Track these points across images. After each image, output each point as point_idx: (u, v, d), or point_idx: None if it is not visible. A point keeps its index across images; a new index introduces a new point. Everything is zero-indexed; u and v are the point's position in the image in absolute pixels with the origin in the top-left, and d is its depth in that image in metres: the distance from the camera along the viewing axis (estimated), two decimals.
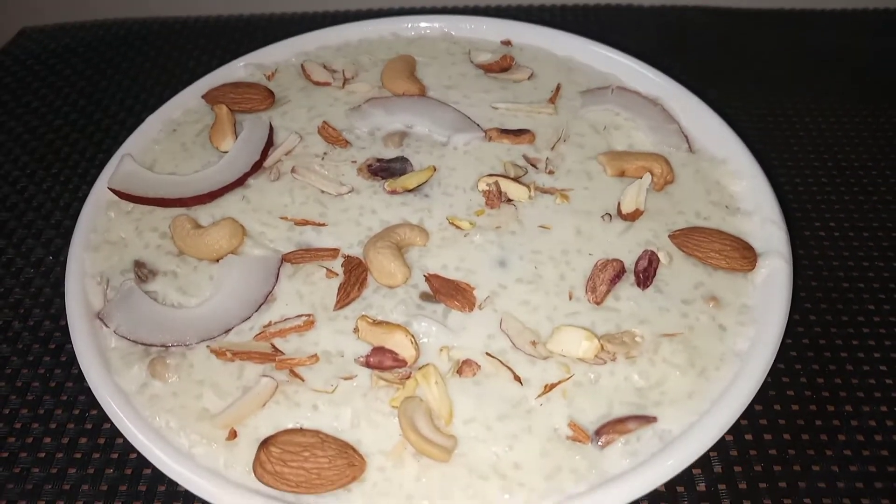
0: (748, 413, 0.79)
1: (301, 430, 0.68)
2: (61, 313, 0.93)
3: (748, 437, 0.82)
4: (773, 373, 0.86)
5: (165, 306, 0.79)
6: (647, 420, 0.70)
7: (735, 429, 0.80)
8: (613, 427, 0.70)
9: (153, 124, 1.00)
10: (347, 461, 0.65)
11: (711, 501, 0.77)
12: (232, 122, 0.98)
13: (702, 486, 0.78)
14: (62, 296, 0.81)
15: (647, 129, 0.99)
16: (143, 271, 0.83)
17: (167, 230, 0.86)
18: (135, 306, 0.78)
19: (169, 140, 0.98)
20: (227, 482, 0.65)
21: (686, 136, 0.98)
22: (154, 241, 0.86)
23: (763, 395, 0.85)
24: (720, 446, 0.80)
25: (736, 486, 0.78)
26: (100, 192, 0.91)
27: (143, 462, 0.69)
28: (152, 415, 0.71)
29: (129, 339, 0.76)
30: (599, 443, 0.69)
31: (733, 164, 0.94)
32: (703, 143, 0.98)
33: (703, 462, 0.79)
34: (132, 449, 0.69)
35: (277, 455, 0.65)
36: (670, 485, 0.77)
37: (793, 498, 0.77)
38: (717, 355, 0.76)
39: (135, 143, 0.97)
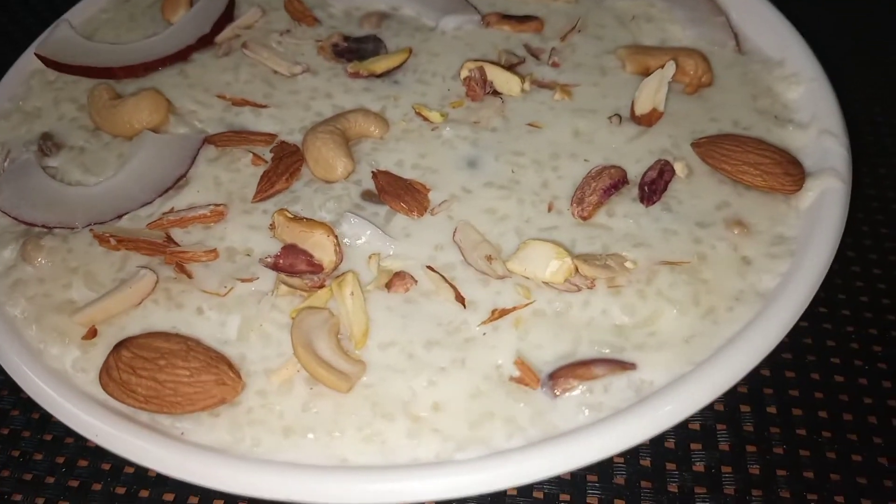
0: (775, 381, 0.60)
1: (168, 335, 0.53)
2: None
3: (770, 409, 0.62)
4: (812, 328, 0.66)
5: (60, 183, 0.66)
6: (622, 366, 0.53)
7: (755, 398, 0.61)
8: (573, 371, 0.52)
9: None
10: (216, 378, 0.51)
11: (710, 486, 0.58)
12: None
13: (699, 466, 0.59)
14: None
15: (686, 21, 0.79)
16: (48, 144, 0.70)
17: (87, 102, 0.73)
18: (26, 181, 0.66)
19: (117, 10, 0.85)
20: (65, 387, 0.52)
21: (735, 33, 0.77)
22: (70, 112, 0.73)
23: (798, 357, 0.65)
24: (732, 419, 0.61)
25: (746, 471, 0.59)
26: (28, 60, 0.79)
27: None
28: (9, 301, 0.58)
29: (10, 216, 0.64)
30: (556, 391, 0.52)
31: (791, 66, 0.73)
32: (756, 44, 0.77)
33: (706, 436, 0.60)
34: None
35: (127, 360, 0.51)
36: (658, 458, 0.59)
37: (819, 493, 0.58)
38: (733, 293, 0.57)
39: (81, 10, 0.84)
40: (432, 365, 0.53)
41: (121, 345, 0.52)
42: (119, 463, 0.61)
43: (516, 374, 0.53)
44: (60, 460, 0.62)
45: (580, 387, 0.52)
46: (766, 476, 0.58)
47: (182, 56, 0.77)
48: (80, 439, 0.62)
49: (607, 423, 0.49)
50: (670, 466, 0.59)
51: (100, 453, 0.62)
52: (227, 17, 0.81)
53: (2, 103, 0.75)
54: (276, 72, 0.76)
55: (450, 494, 0.47)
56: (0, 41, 1.02)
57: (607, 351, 0.54)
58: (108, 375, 0.51)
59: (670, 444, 0.60)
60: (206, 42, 0.79)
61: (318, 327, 0.53)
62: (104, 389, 0.51)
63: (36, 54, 0.77)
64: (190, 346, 0.52)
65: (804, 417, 0.62)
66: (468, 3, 0.82)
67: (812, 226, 0.60)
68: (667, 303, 0.56)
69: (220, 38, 0.80)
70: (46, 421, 0.64)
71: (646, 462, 0.59)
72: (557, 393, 0.52)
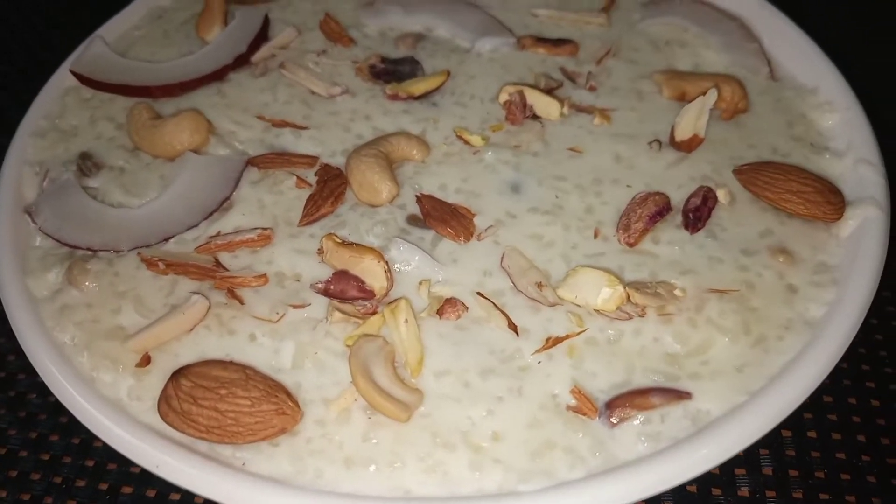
0: (813, 403, 0.60)
1: (225, 363, 0.53)
2: None
3: (811, 434, 0.63)
4: (851, 354, 0.67)
5: (102, 205, 0.66)
6: (679, 395, 0.53)
7: (795, 422, 0.61)
8: (631, 400, 0.53)
9: (138, 9, 0.86)
10: (276, 407, 0.51)
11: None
12: (223, 12, 0.84)
13: (744, 491, 0.60)
14: None
15: (719, 47, 0.80)
16: (87, 164, 0.70)
17: (125, 121, 0.73)
18: (67, 201, 0.66)
19: (151, 26, 0.85)
20: (123, 416, 0.52)
21: (768, 60, 0.78)
22: (108, 131, 0.73)
23: (835, 382, 0.66)
24: (773, 443, 0.62)
25: (789, 495, 0.60)
26: (62, 76, 0.78)
27: (36, 384, 0.56)
28: (57, 326, 0.58)
29: (53, 238, 0.63)
30: (611, 419, 0.52)
31: (825, 95, 0.74)
32: (788, 70, 0.78)
33: (750, 460, 0.61)
34: (31, 369, 0.56)
35: (188, 390, 0.50)
36: (703, 483, 0.60)
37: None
38: (782, 322, 0.57)
39: (114, 26, 0.84)
40: (489, 394, 0.53)
41: (179, 373, 0.52)
42: (165, 489, 0.61)
43: (573, 403, 0.53)
44: (104, 486, 0.62)
45: (638, 416, 0.52)
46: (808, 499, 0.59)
47: (219, 75, 0.77)
48: (124, 465, 0.62)
49: (669, 453, 0.49)
50: (716, 491, 0.60)
51: (144, 479, 0.61)
52: (262, 36, 0.81)
53: (37, 121, 0.74)
54: (313, 92, 0.76)
55: None
56: (26, 59, 1.02)
57: (661, 379, 0.54)
58: (168, 405, 0.50)
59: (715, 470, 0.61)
60: (242, 61, 0.79)
61: (375, 355, 0.53)
62: (163, 419, 0.51)
63: (71, 71, 0.77)
64: (248, 375, 0.52)
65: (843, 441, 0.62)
66: (502, 26, 0.82)
67: (854, 255, 0.61)
68: (718, 331, 0.56)
69: (256, 57, 0.80)
70: (88, 446, 0.64)
71: (692, 488, 0.60)
72: (615, 422, 0.52)
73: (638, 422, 0.52)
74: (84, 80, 0.77)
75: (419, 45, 0.81)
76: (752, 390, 0.53)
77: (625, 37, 0.81)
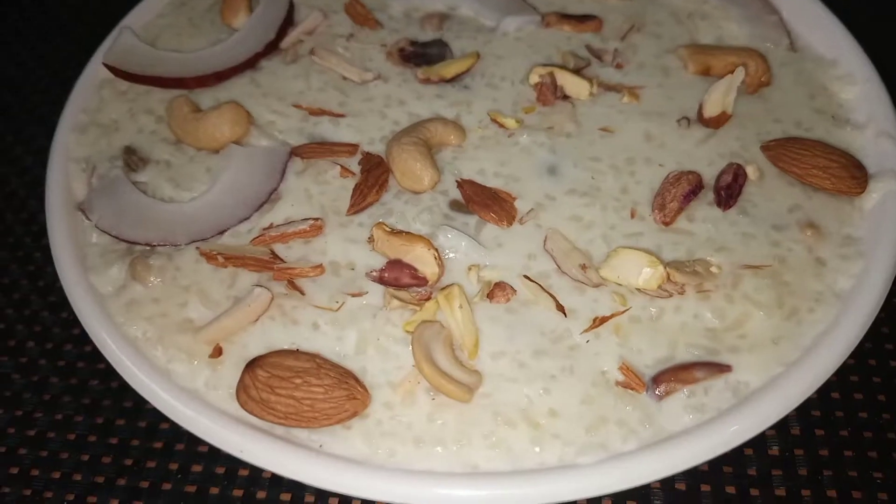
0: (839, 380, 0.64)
1: (295, 353, 0.56)
2: None
3: (834, 395, 0.67)
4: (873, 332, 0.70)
5: (154, 199, 0.68)
6: (720, 369, 0.57)
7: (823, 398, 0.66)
8: (676, 374, 0.56)
9: None
10: (347, 393, 0.54)
11: (784, 468, 0.63)
12: None
13: (774, 450, 0.64)
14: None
15: (740, 19, 0.81)
16: (133, 159, 0.71)
17: (164, 113, 0.74)
18: (120, 197, 0.68)
19: (175, 14, 0.85)
20: (206, 406, 0.55)
21: (788, 31, 0.80)
22: (149, 125, 0.74)
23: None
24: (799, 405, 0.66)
25: (816, 453, 0.64)
26: (94, 69, 0.79)
27: (112, 374, 0.59)
28: (127, 322, 0.60)
29: (110, 235, 0.66)
30: (657, 392, 0.56)
31: (844, 66, 0.76)
32: (808, 41, 0.80)
33: (779, 422, 0.65)
34: (102, 359, 0.59)
35: (264, 380, 0.54)
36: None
37: (885, 471, 0.63)
38: (813, 295, 0.61)
39: (138, 16, 0.84)
40: (543, 373, 0.57)
41: (254, 364, 0.55)
42: (234, 465, 0.64)
43: (621, 378, 0.57)
44: (174, 466, 0.65)
45: (683, 390, 0.56)
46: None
47: (251, 63, 0.78)
48: (192, 444, 0.66)
49: (713, 424, 0.54)
50: (747, 451, 0.64)
51: (212, 457, 0.65)
52: (289, 21, 0.82)
53: (76, 115, 0.75)
54: (345, 78, 0.77)
55: (578, 496, 0.51)
56: (52, 54, 1.02)
57: (702, 354, 0.58)
58: (247, 394, 0.54)
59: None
60: (272, 48, 0.80)
61: (435, 340, 0.57)
62: (243, 407, 0.54)
63: (105, 64, 0.78)
64: (319, 364, 0.55)
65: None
66: (526, 3, 0.83)
67: (878, 227, 0.64)
68: (753, 306, 0.60)
69: (285, 43, 0.81)
70: (155, 429, 0.67)
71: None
72: (662, 395, 0.56)
73: (683, 395, 0.56)
74: (118, 72, 0.77)
75: (445, 25, 0.82)
76: (787, 361, 0.57)
77: (647, 10, 0.83)
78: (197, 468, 0.65)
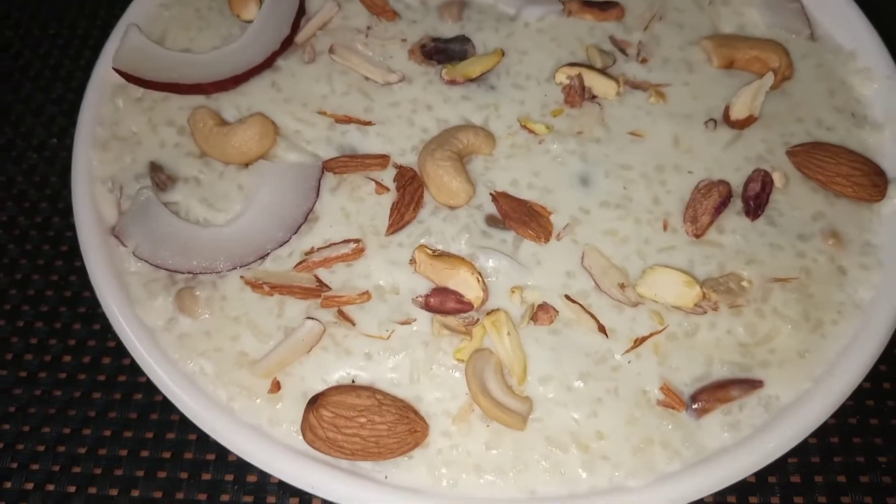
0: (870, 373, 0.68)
1: (354, 389, 0.59)
2: (71, 209, 0.81)
3: (869, 403, 0.71)
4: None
5: (190, 223, 0.68)
6: (753, 385, 0.61)
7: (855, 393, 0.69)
8: (713, 393, 0.60)
9: None
10: (409, 427, 0.57)
11: (826, 474, 0.68)
12: None
13: (816, 458, 0.68)
14: (70, 187, 0.69)
15: (762, 6, 0.81)
16: (160, 177, 0.70)
17: (185, 124, 0.73)
18: (154, 222, 0.67)
19: (180, 5, 0.81)
20: (275, 444, 0.58)
21: (808, 19, 0.80)
22: (171, 137, 0.73)
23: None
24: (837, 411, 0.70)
25: (853, 459, 0.68)
26: (103, 72, 0.76)
27: (170, 407, 0.61)
28: (183, 358, 0.62)
29: (152, 264, 0.66)
30: (697, 411, 0.60)
31: (863, 60, 0.77)
32: (826, 29, 0.80)
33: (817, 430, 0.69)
34: (157, 391, 0.61)
35: (329, 420, 0.56)
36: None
37: None
38: (835, 306, 0.64)
39: (140, 6, 0.80)
40: (590, 396, 0.60)
41: (317, 403, 0.57)
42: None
43: (662, 398, 0.60)
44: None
45: (720, 408, 0.60)
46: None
47: (268, 63, 0.76)
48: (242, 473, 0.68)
49: (750, 441, 0.58)
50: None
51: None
52: (301, 11, 0.79)
53: (93, 128, 0.73)
54: (368, 78, 0.76)
55: None
56: (60, 54, 0.97)
57: (736, 370, 0.62)
58: (314, 434, 0.56)
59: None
60: (288, 44, 0.77)
61: (487, 370, 0.59)
62: (311, 445, 0.57)
63: (116, 69, 0.75)
64: (380, 400, 0.58)
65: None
66: None
67: (895, 235, 0.67)
68: (782, 320, 0.63)
69: (300, 37, 0.78)
70: (205, 450, 0.69)
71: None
72: (700, 414, 0.60)
73: (720, 413, 0.60)
74: (131, 78, 0.75)
75: (464, 13, 0.80)
76: (814, 376, 0.61)
77: None
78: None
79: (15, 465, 0.69)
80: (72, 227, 0.77)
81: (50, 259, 0.81)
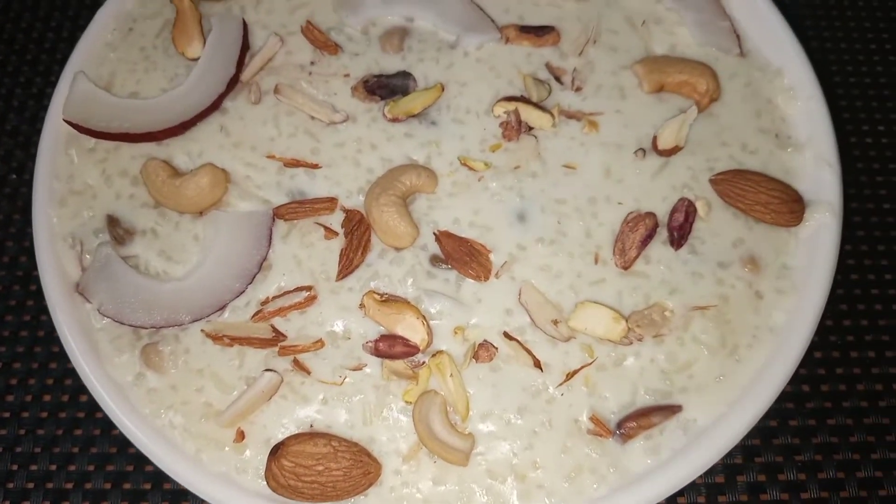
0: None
1: (312, 437, 0.65)
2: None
3: (777, 441, 0.79)
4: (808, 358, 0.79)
5: (150, 278, 0.72)
6: (672, 410, 0.67)
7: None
8: (636, 420, 0.67)
9: (105, 22, 0.83)
10: (363, 470, 0.63)
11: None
12: (197, 19, 0.82)
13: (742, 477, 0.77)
14: (31, 238, 0.74)
15: (693, 25, 0.83)
16: (118, 231, 0.74)
17: (139, 175, 0.75)
18: (116, 278, 0.71)
19: (126, 43, 0.82)
20: (244, 491, 0.64)
21: (738, 37, 0.83)
22: (125, 189, 0.76)
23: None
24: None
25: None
26: (56, 121, 0.78)
27: (144, 459, 0.66)
28: (153, 413, 0.67)
29: (117, 321, 0.70)
30: (623, 438, 0.67)
31: (789, 78, 0.80)
32: (756, 43, 0.83)
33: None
34: (129, 444, 0.67)
35: (290, 469, 0.62)
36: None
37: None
38: (751, 331, 0.71)
39: (87, 47, 0.81)
40: (527, 429, 0.67)
41: (277, 453, 0.63)
42: None
43: (592, 427, 0.67)
44: None
45: (642, 433, 0.67)
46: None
47: (216, 106, 0.78)
48: None
49: (668, 465, 0.65)
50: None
51: None
52: (245, 47, 0.81)
53: (50, 183, 0.75)
54: (313, 118, 0.78)
55: None
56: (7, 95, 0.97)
57: (658, 398, 0.68)
58: (276, 482, 0.62)
59: None
60: (234, 83, 0.79)
61: (432, 411, 0.65)
62: (275, 492, 0.63)
63: (66, 121, 0.77)
64: (335, 448, 0.64)
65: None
66: (485, 15, 0.83)
67: (811, 258, 0.72)
68: (699, 347, 0.69)
69: (245, 75, 0.80)
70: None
71: None
72: (625, 440, 0.67)
73: (642, 437, 0.67)
74: (82, 129, 0.77)
75: (406, 43, 0.82)
76: (729, 400, 0.68)
77: (603, 15, 0.84)
78: None
79: None
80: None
81: (20, 299, 0.85)
